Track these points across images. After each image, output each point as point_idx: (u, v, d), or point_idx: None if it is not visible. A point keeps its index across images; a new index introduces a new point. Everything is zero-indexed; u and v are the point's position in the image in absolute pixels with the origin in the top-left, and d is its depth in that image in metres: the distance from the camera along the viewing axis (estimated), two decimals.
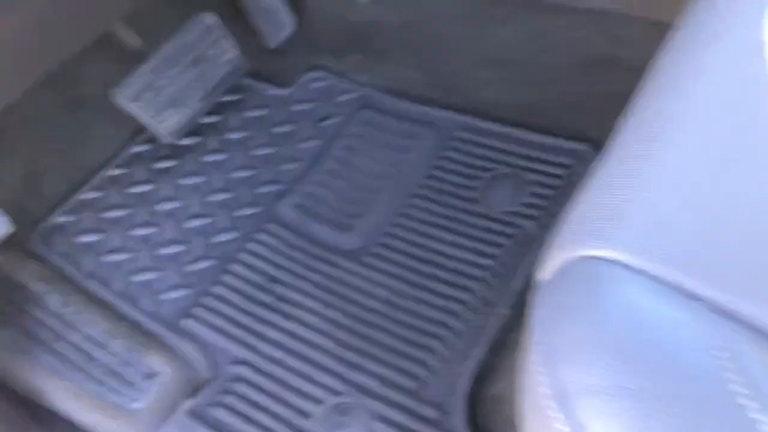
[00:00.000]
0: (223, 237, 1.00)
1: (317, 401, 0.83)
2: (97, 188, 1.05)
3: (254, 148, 1.08)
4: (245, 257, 0.99)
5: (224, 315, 0.94)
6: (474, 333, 0.85)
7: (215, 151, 1.09)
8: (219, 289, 0.96)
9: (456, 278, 0.90)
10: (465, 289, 0.89)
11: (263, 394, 0.85)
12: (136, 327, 0.94)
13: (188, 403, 0.86)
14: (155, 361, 0.90)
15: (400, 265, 0.94)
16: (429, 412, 0.79)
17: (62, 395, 0.87)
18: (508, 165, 0.98)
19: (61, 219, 1.02)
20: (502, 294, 0.87)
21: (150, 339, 0.92)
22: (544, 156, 0.97)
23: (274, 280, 0.96)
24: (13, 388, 0.90)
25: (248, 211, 1.02)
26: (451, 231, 0.95)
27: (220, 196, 1.04)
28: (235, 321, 0.93)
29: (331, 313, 0.91)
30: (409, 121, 1.06)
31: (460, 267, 0.91)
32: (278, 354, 0.88)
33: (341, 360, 0.86)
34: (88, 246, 1.00)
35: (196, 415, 0.85)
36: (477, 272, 0.90)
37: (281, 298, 0.94)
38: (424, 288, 0.91)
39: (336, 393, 0.84)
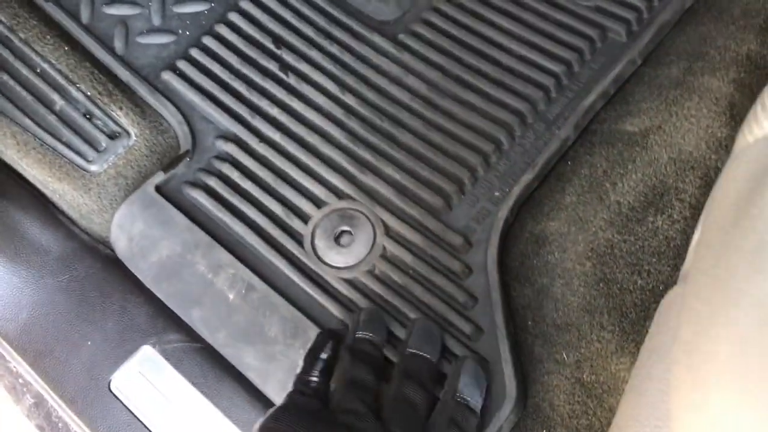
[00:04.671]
0: None
1: (317, 202, 0.67)
2: None
3: None
4: (248, 7, 0.77)
5: (214, 76, 0.74)
6: (526, 155, 0.67)
7: None
8: (211, 43, 0.76)
9: (514, 82, 0.71)
10: (522, 97, 0.70)
11: (250, 181, 0.69)
12: (103, 72, 0.74)
13: (158, 177, 0.69)
14: (123, 119, 0.72)
15: (444, 53, 0.73)
16: (452, 238, 0.64)
17: (6, 141, 0.70)
18: None
19: None
20: (569, 113, 0.69)
21: (119, 90, 0.73)
22: None
23: (281, 43, 0.76)
24: None
25: None
26: (516, 20, 0.74)
27: None
28: (228, 86, 0.73)
29: (347, 98, 0.72)
30: None
31: (522, 69, 0.71)
32: (276, 136, 0.70)
33: (352, 157, 0.69)
34: None
35: (166, 191, 0.69)
36: (542, 79, 0.70)
37: (287, 68, 0.74)
38: (470, 87, 0.71)
39: (341, 196, 0.67)
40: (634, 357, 0.54)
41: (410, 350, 0.57)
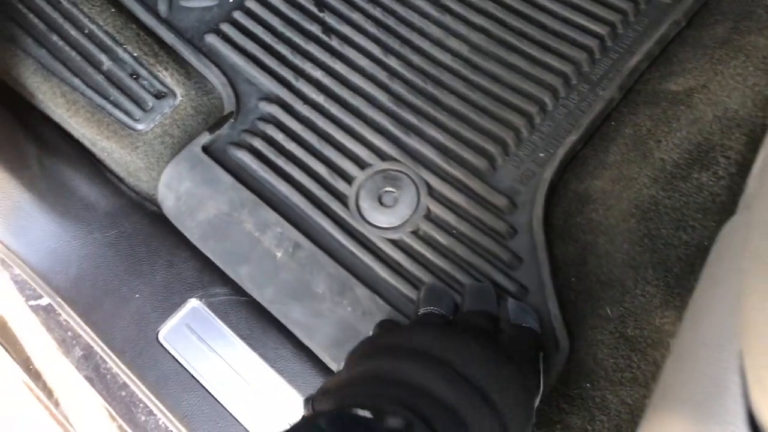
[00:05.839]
0: None
1: (361, 164, 0.68)
2: None
3: None
4: None
5: (258, 39, 0.75)
6: (570, 116, 0.67)
7: None
8: (254, 5, 0.77)
9: (558, 44, 0.70)
10: (566, 59, 0.70)
11: (294, 143, 0.69)
12: (149, 34, 0.76)
13: (204, 137, 0.70)
14: (169, 80, 0.73)
15: (487, 15, 0.73)
16: (496, 199, 0.65)
17: (56, 100, 0.72)
18: None
19: None
20: (613, 74, 0.68)
21: (165, 51, 0.75)
22: None
23: (323, 6, 0.76)
24: (1, 77, 0.74)
25: None
26: None
27: None
28: (271, 48, 0.74)
29: (390, 61, 0.72)
30: None
31: (567, 30, 0.71)
32: (319, 99, 0.71)
33: (396, 119, 0.70)
34: None
35: (212, 151, 0.70)
36: (586, 41, 0.70)
37: (330, 31, 0.75)
38: (514, 49, 0.71)
39: (384, 157, 0.68)
40: (680, 311, 0.54)
41: (468, 309, 0.56)
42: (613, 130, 0.66)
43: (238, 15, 0.76)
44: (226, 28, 0.76)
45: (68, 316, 0.68)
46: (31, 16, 0.74)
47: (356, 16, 0.75)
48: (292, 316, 0.63)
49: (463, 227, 0.64)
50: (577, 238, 0.62)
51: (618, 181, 0.62)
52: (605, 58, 0.69)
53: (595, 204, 0.62)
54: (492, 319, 0.53)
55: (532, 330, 0.53)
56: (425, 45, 0.73)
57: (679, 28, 0.70)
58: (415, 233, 0.65)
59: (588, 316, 0.59)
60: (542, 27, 0.72)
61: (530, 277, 0.61)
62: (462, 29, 0.73)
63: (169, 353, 0.64)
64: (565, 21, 0.71)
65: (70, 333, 0.71)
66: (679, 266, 0.56)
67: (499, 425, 0.39)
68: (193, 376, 0.63)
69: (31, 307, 0.72)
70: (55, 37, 0.73)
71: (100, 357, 0.68)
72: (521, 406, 0.41)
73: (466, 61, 0.71)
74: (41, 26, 0.74)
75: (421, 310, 0.56)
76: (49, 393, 0.74)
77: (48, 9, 0.74)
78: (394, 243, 0.65)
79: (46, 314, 0.72)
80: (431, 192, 0.66)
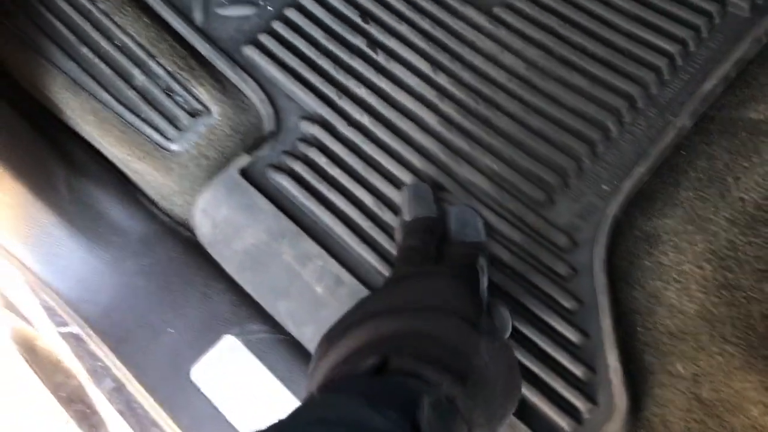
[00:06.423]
0: None
1: None
2: None
3: None
4: None
5: (298, 51, 0.70)
6: (636, 144, 0.62)
7: None
8: (295, 15, 0.72)
9: (623, 62, 0.65)
10: (632, 80, 0.64)
11: (337, 168, 0.65)
12: (184, 46, 0.71)
13: (243, 160, 0.66)
14: (204, 96, 0.69)
15: (545, 29, 0.68)
16: (554, 236, 0.60)
17: (86, 117, 0.68)
18: None
19: None
20: (684, 98, 0.63)
21: (200, 65, 0.70)
22: None
23: (368, 17, 0.71)
24: (29, 91, 0.70)
25: None
26: None
27: None
28: (313, 63, 0.69)
29: (440, 78, 0.67)
30: None
31: (632, 48, 0.65)
32: (364, 119, 0.66)
33: (446, 145, 0.65)
34: None
35: (251, 175, 0.66)
36: (653, 59, 0.64)
37: (375, 44, 0.70)
38: (575, 68, 0.66)
39: (435, 187, 0.63)
40: (765, 375, 0.49)
41: (456, 240, 0.56)
42: (684, 161, 0.61)
43: (277, 25, 0.71)
44: (265, 39, 0.71)
45: (98, 347, 0.65)
46: (59, 26, 0.70)
47: (403, 29, 0.70)
48: None
49: (518, 266, 0.59)
50: (644, 283, 0.57)
51: (691, 221, 0.57)
52: (675, 79, 0.64)
53: (665, 246, 0.57)
54: (433, 225, 0.56)
55: (471, 243, 0.55)
56: (477, 60, 0.67)
57: (760, 46, 0.63)
58: None
59: (656, 372, 0.54)
60: (605, 43, 0.66)
61: (590, 324, 0.57)
62: (518, 44, 0.67)
63: (203, 394, 0.61)
64: (630, 37, 0.66)
65: (100, 363, 0.68)
66: (764, 324, 0.51)
67: (454, 316, 0.43)
68: (229, 421, 0.59)
69: (61, 334, 0.70)
70: (84, 49, 0.69)
71: (132, 392, 0.65)
72: (468, 300, 0.46)
73: (522, 80, 0.66)
74: (71, 37, 0.70)
75: (407, 218, 0.57)
76: (80, 421, 0.72)
77: (78, 19, 0.70)
78: None
79: (77, 342, 0.69)
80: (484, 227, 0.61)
